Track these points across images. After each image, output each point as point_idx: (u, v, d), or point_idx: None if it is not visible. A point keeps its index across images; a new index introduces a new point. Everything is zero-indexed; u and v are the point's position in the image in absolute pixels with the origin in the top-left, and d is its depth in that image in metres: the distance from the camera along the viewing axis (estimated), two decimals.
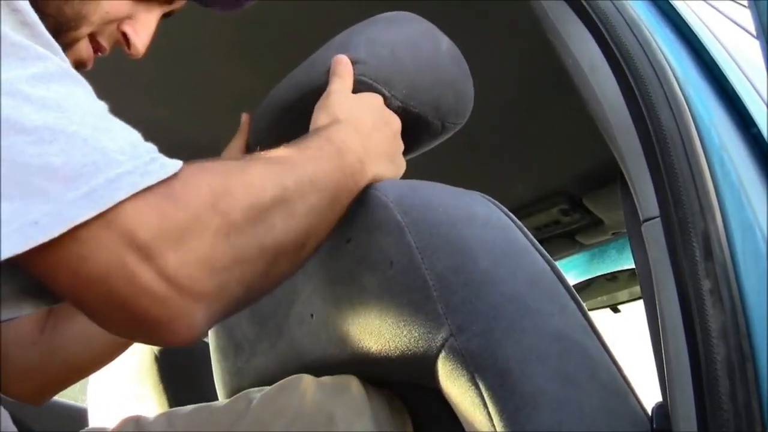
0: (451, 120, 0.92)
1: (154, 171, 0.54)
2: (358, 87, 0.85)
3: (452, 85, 0.92)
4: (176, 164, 0.56)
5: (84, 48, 0.81)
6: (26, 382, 0.98)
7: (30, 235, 0.48)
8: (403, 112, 0.87)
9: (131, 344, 1.08)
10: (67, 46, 0.78)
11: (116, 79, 1.57)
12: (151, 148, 0.57)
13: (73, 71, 0.57)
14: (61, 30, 0.77)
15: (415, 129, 0.90)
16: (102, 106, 0.57)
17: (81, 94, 0.56)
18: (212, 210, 0.56)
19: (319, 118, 0.81)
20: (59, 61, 0.55)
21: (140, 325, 0.54)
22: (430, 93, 0.89)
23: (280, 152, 0.70)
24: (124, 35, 0.84)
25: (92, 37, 0.82)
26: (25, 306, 0.64)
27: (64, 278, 0.52)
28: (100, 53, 0.84)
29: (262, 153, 0.70)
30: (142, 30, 0.85)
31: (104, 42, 0.83)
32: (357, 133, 0.79)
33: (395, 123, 0.86)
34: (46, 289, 0.54)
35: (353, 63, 0.85)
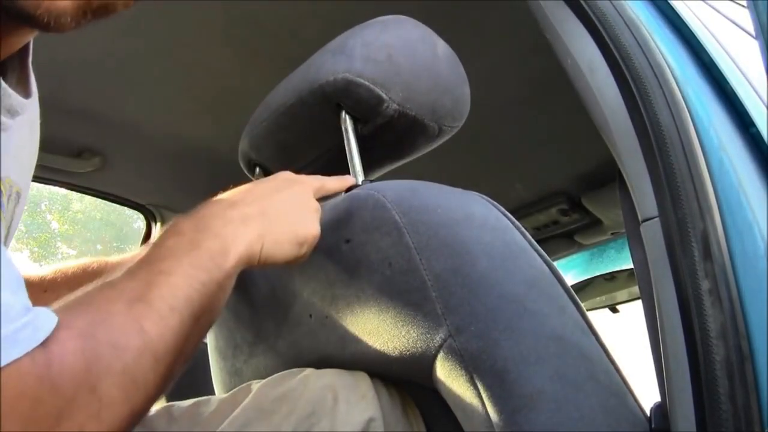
0: (447, 123, 0.93)
1: (24, 339, 0.52)
2: (357, 90, 0.85)
3: (449, 87, 0.92)
4: (49, 324, 0.54)
5: None
6: None
7: None
8: (400, 115, 0.88)
9: None
10: None
11: (118, 79, 1.57)
12: (25, 306, 0.54)
13: None
14: None
15: (411, 132, 0.90)
16: None
17: None
18: (86, 392, 0.55)
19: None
20: None
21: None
22: (426, 96, 0.89)
23: (127, 278, 0.66)
24: None
25: None
26: None
27: None
28: None
29: (115, 281, 0.65)
30: None
31: None
32: (223, 207, 0.76)
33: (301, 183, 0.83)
34: None
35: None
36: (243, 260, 0.72)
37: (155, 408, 0.86)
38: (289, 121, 0.91)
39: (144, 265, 0.66)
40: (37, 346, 0.52)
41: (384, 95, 0.86)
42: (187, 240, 0.70)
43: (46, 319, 0.54)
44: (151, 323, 0.61)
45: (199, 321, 0.66)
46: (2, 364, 0.50)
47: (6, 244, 0.79)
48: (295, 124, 0.87)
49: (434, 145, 0.96)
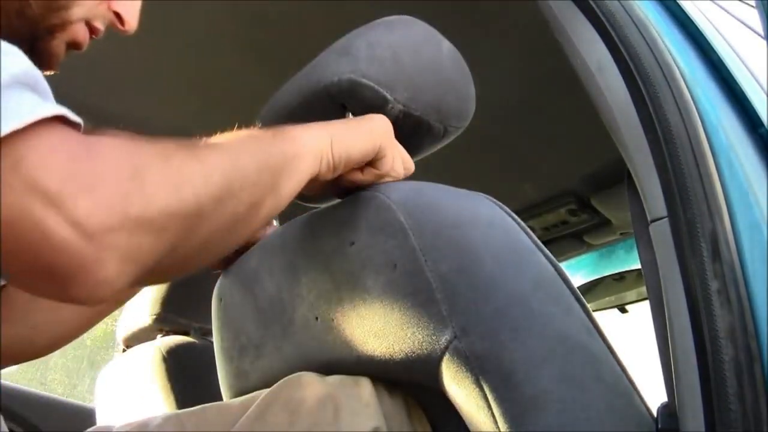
0: (453, 123, 0.92)
1: (48, 111, 0.52)
2: (361, 91, 0.85)
3: (454, 88, 0.92)
4: (75, 117, 0.54)
5: (80, 31, 0.83)
6: None
7: None
8: (404, 116, 0.87)
9: (96, 321, 1.09)
10: (58, 27, 0.80)
11: (123, 79, 1.58)
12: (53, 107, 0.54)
13: None
14: (52, 10, 0.78)
15: (417, 132, 0.90)
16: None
17: None
18: (127, 161, 0.54)
19: None
20: None
21: (49, 277, 0.51)
22: (431, 96, 0.89)
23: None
24: (117, 14, 0.85)
25: (87, 23, 0.83)
26: None
27: None
28: (95, 36, 0.85)
29: None
30: (131, 7, 0.87)
31: (98, 24, 0.84)
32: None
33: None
34: None
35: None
36: (314, 155, 0.74)
37: (162, 413, 0.87)
38: (294, 122, 0.91)
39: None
40: (77, 127, 0.54)
41: (388, 96, 0.85)
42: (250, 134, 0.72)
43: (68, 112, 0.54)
44: (202, 150, 0.62)
45: (266, 174, 0.67)
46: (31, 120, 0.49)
47: None
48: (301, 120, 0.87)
49: (439, 146, 0.96)
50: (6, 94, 0.50)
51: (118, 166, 0.53)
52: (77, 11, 0.81)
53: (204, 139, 0.67)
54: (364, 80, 0.85)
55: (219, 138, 0.68)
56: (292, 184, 0.71)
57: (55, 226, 0.49)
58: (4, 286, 0.99)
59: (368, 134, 0.82)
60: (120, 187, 0.52)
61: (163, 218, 0.55)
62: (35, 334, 1.00)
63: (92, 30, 0.84)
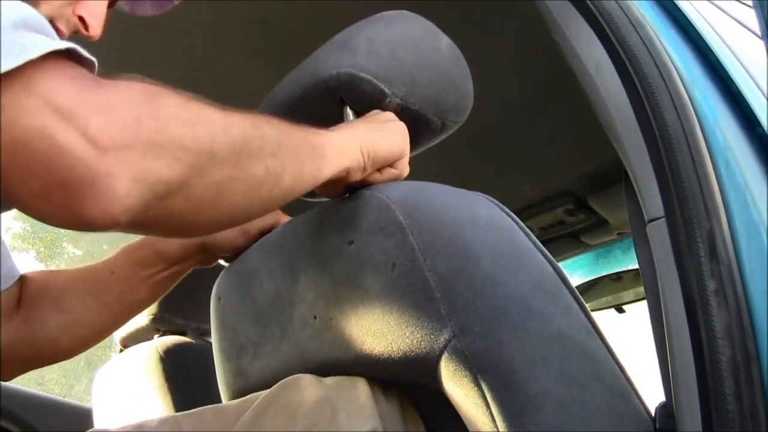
0: (450, 118, 0.93)
1: (67, 45, 0.54)
2: (359, 84, 0.85)
3: (452, 82, 0.93)
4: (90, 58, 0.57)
5: None
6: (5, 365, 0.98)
7: None
8: (402, 110, 0.88)
9: (115, 328, 1.08)
10: None
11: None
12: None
13: None
14: None
15: (414, 127, 0.90)
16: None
17: None
18: (143, 93, 0.56)
19: None
20: None
21: (62, 193, 0.51)
22: (429, 90, 0.90)
23: None
24: (81, 19, 0.85)
25: (51, 23, 0.81)
26: None
27: None
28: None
29: None
30: (96, 12, 0.86)
31: (62, 26, 0.84)
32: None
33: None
34: None
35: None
36: (340, 151, 0.76)
37: (159, 414, 0.87)
38: (292, 115, 0.91)
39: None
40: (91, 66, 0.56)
41: (387, 90, 0.86)
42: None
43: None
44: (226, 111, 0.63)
45: (285, 152, 0.68)
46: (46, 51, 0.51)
47: None
48: (299, 118, 0.88)
49: (437, 140, 0.97)
50: (19, 32, 0.53)
51: (130, 94, 0.55)
52: (43, 8, 0.79)
53: None
54: (363, 74, 0.85)
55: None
56: (313, 171, 0.72)
57: (68, 140, 0.50)
58: (24, 282, 0.98)
59: (395, 134, 0.84)
60: (133, 111, 0.54)
61: (174, 147, 0.56)
62: (60, 335, 0.99)
63: (57, 31, 0.82)
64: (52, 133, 0.50)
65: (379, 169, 0.84)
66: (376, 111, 0.87)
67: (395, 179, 0.86)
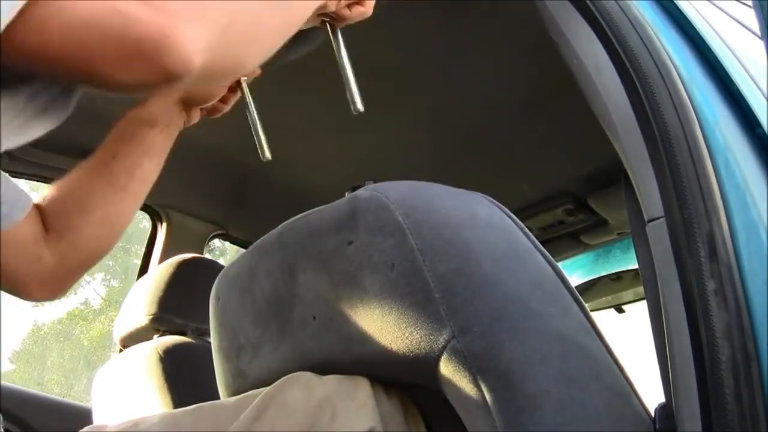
0: None
1: None
2: None
3: None
4: None
5: None
6: (44, 286, 1.01)
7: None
8: None
9: (138, 205, 1.12)
10: None
11: None
12: None
13: None
14: None
15: None
16: None
17: None
18: None
19: None
20: None
21: (141, 55, 0.56)
22: None
23: None
24: None
25: None
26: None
27: (55, 36, 0.53)
28: None
29: None
30: None
31: None
32: None
33: None
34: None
35: None
36: None
37: (158, 413, 0.86)
38: None
39: None
40: None
41: None
42: None
43: None
44: None
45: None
46: None
47: None
48: None
49: None
50: None
51: None
52: None
53: None
54: None
55: None
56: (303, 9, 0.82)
57: (134, 9, 0.55)
58: (41, 205, 1.01)
59: None
60: None
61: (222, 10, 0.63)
62: (97, 230, 1.03)
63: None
64: (117, 8, 0.54)
65: (349, 6, 0.96)
66: None
67: (363, 16, 0.97)
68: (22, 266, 0.97)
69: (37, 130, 0.71)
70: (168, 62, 0.57)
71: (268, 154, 0.94)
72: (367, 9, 0.99)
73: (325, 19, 0.97)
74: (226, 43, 0.65)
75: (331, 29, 0.99)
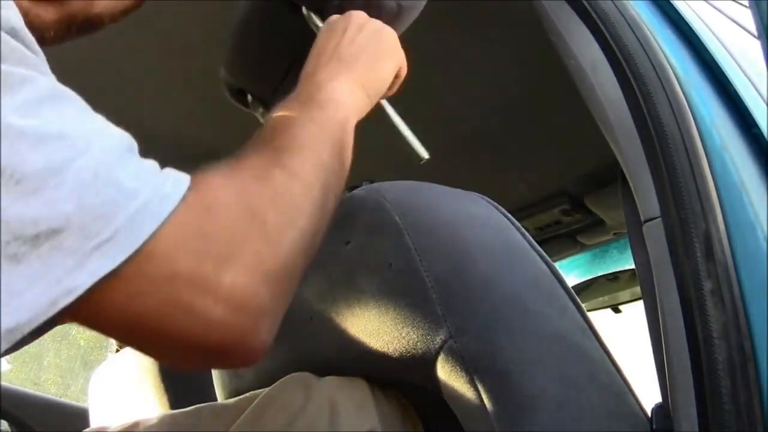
0: None
1: (172, 193, 0.50)
2: None
3: None
4: (185, 176, 0.53)
5: None
6: None
7: (56, 297, 0.43)
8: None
9: None
10: None
11: (118, 78, 1.57)
12: (154, 165, 0.53)
13: (60, 86, 0.50)
14: None
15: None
16: (97, 120, 0.52)
17: (75, 112, 0.50)
18: (246, 212, 0.53)
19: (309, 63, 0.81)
20: (45, 79, 0.49)
21: (209, 355, 0.52)
22: None
23: (281, 131, 0.67)
24: None
25: None
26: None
27: (111, 322, 0.48)
28: None
29: (262, 137, 0.67)
30: None
31: None
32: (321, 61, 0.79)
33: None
34: None
35: None
36: (355, 110, 0.77)
37: (156, 413, 0.86)
38: (253, 35, 0.88)
39: (258, 139, 0.66)
40: (187, 191, 0.51)
41: None
42: (297, 104, 0.72)
43: (182, 175, 0.53)
44: (288, 158, 0.61)
45: (336, 155, 0.68)
46: (158, 224, 0.47)
47: None
48: (261, 37, 0.85)
49: (400, 29, 0.92)
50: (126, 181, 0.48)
51: (237, 217, 0.53)
52: None
53: (269, 130, 0.67)
54: None
55: (280, 128, 0.67)
56: (350, 149, 0.73)
57: (207, 309, 0.49)
58: None
59: (388, 54, 0.84)
60: (251, 245, 0.52)
61: (291, 258, 0.56)
62: None
63: None
64: (187, 305, 0.48)
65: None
66: (335, 18, 0.85)
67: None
68: None
69: None
70: (234, 361, 0.54)
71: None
72: (400, 78, 0.90)
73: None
74: (294, 289, 0.60)
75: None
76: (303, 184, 0.61)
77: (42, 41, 0.57)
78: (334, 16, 0.85)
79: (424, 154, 0.84)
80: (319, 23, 0.86)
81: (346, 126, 0.73)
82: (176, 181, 0.52)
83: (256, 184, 0.57)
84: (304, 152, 0.64)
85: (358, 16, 0.84)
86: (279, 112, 0.70)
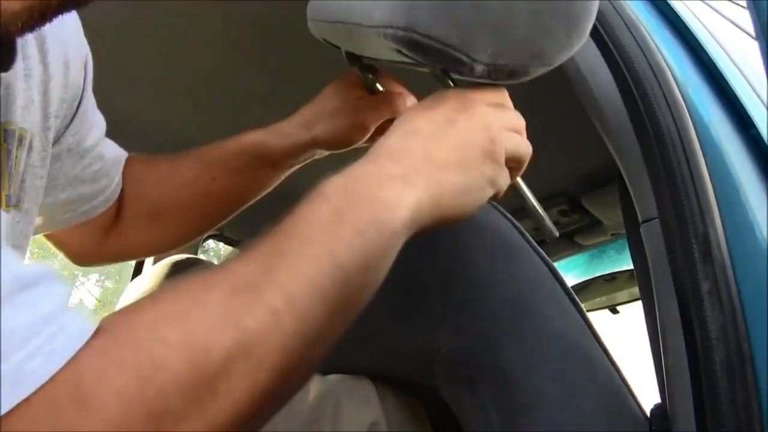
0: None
1: (42, 364, 0.39)
2: (424, 51, 0.64)
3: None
4: (83, 334, 0.42)
5: None
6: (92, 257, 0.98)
7: None
8: (492, 72, 0.67)
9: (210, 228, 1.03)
10: None
11: (113, 77, 1.57)
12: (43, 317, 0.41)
13: None
14: None
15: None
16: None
17: None
18: (138, 403, 0.41)
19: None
20: None
21: None
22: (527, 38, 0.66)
23: (240, 261, 0.51)
24: None
25: None
26: None
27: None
28: None
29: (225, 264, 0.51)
30: None
31: None
32: (381, 160, 0.60)
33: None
34: None
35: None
36: (408, 228, 0.58)
37: None
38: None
39: (266, 241, 0.52)
40: (72, 362, 0.40)
41: (465, 58, 0.63)
42: (329, 209, 0.54)
43: (79, 332, 0.42)
44: (253, 320, 0.47)
45: (338, 313, 0.54)
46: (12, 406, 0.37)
47: (19, 191, 0.72)
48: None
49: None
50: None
51: (124, 412, 0.40)
52: None
53: (277, 236, 0.53)
54: (428, 39, 0.63)
55: (300, 234, 0.53)
56: (389, 263, 0.58)
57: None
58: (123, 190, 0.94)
59: (478, 177, 0.64)
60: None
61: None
62: (156, 242, 0.99)
63: None
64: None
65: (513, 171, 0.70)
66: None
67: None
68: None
69: None
70: None
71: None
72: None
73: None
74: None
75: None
76: (250, 359, 0.47)
77: (9, 33, 0.51)
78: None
79: (555, 232, 0.76)
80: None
81: (393, 239, 0.58)
82: (66, 343, 0.41)
83: (174, 355, 0.45)
84: (285, 308, 0.50)
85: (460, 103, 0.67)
86: (309, 203, 0.55)
